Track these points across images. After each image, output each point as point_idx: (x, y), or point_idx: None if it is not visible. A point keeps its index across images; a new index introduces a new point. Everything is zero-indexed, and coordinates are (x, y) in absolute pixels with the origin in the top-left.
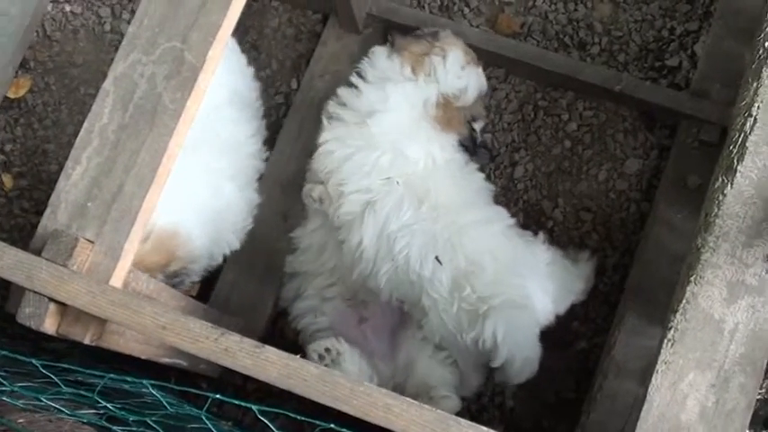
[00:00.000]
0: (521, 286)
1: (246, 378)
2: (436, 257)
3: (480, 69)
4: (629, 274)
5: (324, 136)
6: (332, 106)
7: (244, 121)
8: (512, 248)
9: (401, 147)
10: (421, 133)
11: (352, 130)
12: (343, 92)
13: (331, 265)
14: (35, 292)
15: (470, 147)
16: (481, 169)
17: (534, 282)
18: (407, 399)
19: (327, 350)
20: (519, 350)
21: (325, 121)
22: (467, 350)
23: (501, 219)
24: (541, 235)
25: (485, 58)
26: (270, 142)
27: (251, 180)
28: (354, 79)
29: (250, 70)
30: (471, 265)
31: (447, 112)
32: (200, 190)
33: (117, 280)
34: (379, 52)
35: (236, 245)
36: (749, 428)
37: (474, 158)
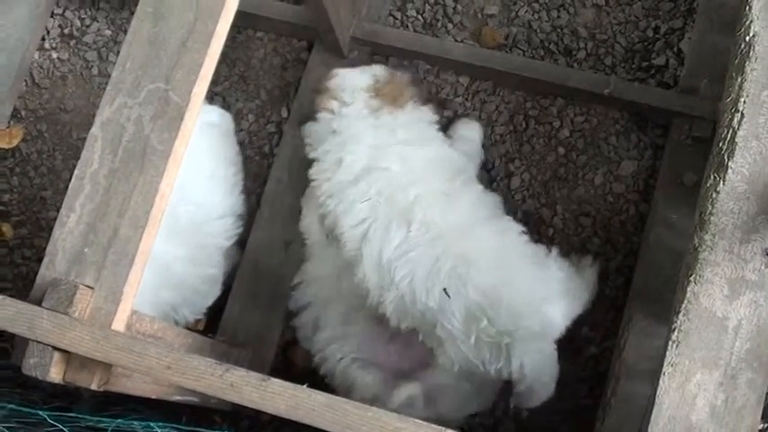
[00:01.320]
0: (541, 314)
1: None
2: (444, 290)
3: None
4: (633, 275)
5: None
6: (314, 172)
7: (210, 203)
8: (526, 272)
9: (374, 160)
10: (384, 134)
11: (336, 177)
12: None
13: (346, 290)
14: (39, 342)
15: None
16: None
17: (551, 305)
18: (416, 420)
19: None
20: (543, 376)
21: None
22: (487, 376)
23: (510, 233)
24: (554, 250)
25: (471, 72)
26: (263, 172)
27: (210, 258)
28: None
29: (230, 143)
30: (484, 297)
31: (385, 93)
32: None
33: (119, 323)
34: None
35: (199, 317)
36: (762, 422)
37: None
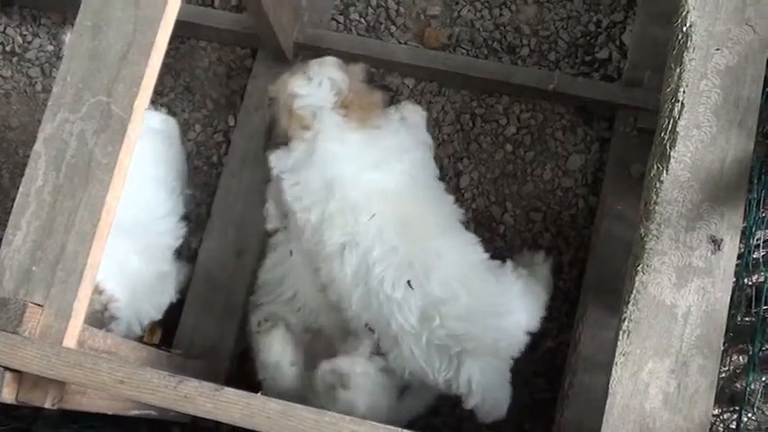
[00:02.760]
0: (495, 328)
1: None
2: (408, 281)
3: (328, 62)
4: (585, 268)
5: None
6: (290, 198)
7: (154, 204)
8: (485, 284)
9: (367, 183)
10: (370, 152)
11: (327, 206)
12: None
13: (289, 296)
14: None
15: (388, 93)
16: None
17: (512, 315)
18: (373, 423)
19: (265, 320)
20: (491, 394)
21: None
22: (435, 386)
23: (475, 249)
24: (509, 264)
25: (416, 73)
26: (212, 182)
27: (162, 256)
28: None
29: (174, 148)
30: (443, 293)
31: (353, 108)
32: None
33: (71, 340)
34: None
35: (157, 315)
36: (715, 406)
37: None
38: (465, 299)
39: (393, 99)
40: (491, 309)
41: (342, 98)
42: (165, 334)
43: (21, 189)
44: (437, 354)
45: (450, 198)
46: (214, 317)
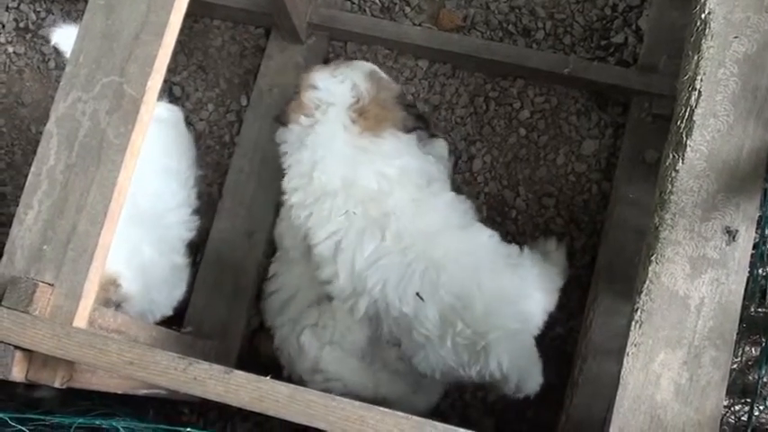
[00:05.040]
0: (515, 313)
1: None
2: (417, 294)
3: (359, 66)
4: (597, 254)
5: (286, 202)
6: (285, 180)
7: (168, 193)
8: (499, 276)
9: (350, 177)
10: (361, 155)
11: (307, 190)
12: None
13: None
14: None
15: (417, 122)
16: (454, 188)
17: (527, 302)
18: (381, 408)
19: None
20: (525, 370)
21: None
22: (467, 378)
23: (478, 238)
24: (525, 249)
25: (430, 55)
26: (224, 162)
27: (174, 247)
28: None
29: (181, 136)
30: (457, 299)
31: (368, 117)
32: (118, 250)
33: (81, 320)
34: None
35: (169, 311)
36: (727, 398)
37: (426, 137)
38: (480, 300)
39: (420, 127)
40: (510, 299)
41: (360, 105)
42: (175, 313)
43: (33, 168)
44: (464, 351)
45: (450, 195)
46: (224, 297)
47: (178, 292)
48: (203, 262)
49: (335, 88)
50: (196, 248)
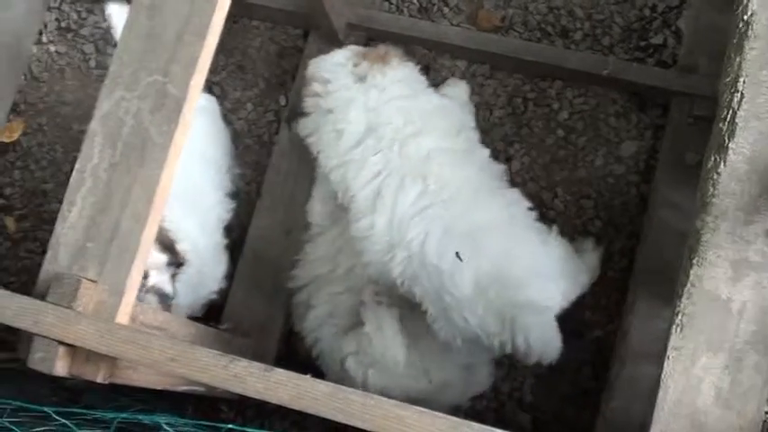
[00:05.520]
0: (545, 289)
1: None
2: (457, 254)
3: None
4: (636, 257)
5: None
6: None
7: (206, 176)
8: (532, 246)
9: (373, 119)
10: (377, 93)
11: (338, 149)
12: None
13: (342, 271)
14: (44, 337)
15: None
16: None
17: (550, 281)
18: (418, 408)
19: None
20: (547, 345)
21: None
22: (487, 348)
23: (517, 206)
24: (555, 228)
25: (468, 56)
26: (264, 161)
27: (214, 226)
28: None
29: (218, 124)
30: (494, 267)
31: (370, 58)
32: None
33: (123, 316)
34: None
35: (215, 286)
36: None
37: None
38: (515, 272)
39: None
40: (538, 268)
41: (360, 54)
42: (213, 310)
43: (77, 166)
44: (492, 319)
45: (485, 152)
46: (263, 295)
47: (221, 268)
48: (241, 259)
49: (331, 55)
50: (231, 233)
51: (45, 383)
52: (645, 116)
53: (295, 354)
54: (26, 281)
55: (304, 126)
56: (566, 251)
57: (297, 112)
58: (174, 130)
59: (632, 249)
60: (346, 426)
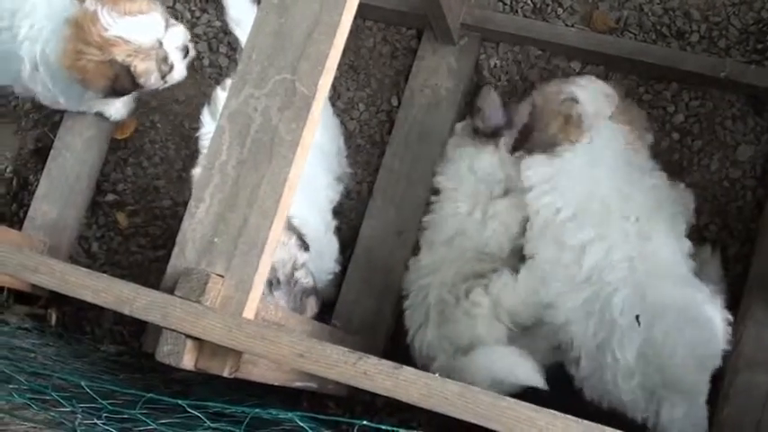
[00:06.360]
0: (701, 381)
1: (375, 393)
2: (637, 317)
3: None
4: (751, 263)
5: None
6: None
7: (315, 160)
8: (702, 332)
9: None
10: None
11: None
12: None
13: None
14: (172, 330)
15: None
16: None
17: (708, 369)
18: (550, 411)
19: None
20: (694, 428)
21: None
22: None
23: (697, 296)
24: (719, 301)
25: (583, 57)
26: (374, 161)
27: (325, 208)
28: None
29: (328, 113)
30: (664, 345)
31: (623, 122)
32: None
33: (249, 312)
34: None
35: (332, 267)
36: None
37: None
38: (684, 355)
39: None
40: (701, 357)
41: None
42: (322, 308)
43: (204, 162)
44: (642, 393)
45: (687, 244)
46: (373, 294)
47: (334, 248)
48: (353, 258)
49: (593, 100)
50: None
51: (157, 377)
52: (762, 120)
53: (403, 355)
54: (137, 275)
55: (539, 165)
56: (722, 314)
57: (533, 146)
58: (302, 128)
59: (747, 255)
60: (460, 423)
